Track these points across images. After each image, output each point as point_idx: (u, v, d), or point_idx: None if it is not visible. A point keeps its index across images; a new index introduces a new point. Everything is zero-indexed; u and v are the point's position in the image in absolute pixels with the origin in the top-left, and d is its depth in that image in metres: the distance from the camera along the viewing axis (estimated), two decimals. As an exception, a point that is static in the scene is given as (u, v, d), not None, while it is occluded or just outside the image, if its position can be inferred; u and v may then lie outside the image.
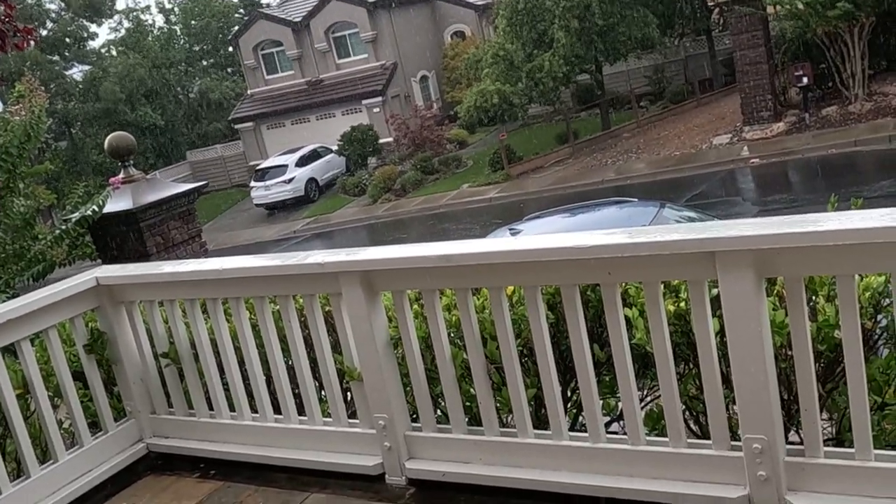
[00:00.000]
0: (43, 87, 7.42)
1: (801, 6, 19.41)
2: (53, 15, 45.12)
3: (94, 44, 48.00)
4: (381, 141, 33.87)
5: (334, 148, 34.24)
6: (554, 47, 25.56)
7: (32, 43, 8.41)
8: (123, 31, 49.10)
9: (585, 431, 3.01)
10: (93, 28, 47.13)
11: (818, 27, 19.90)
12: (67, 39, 44.47)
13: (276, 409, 3.77)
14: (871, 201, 3.21)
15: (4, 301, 4.98)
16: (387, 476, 3.40)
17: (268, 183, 32.33)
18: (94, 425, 4.07)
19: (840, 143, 19.38)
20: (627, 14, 25.63)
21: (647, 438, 2.92)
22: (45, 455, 3.89)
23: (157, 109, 43.86)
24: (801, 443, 2.63)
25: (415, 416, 3.40)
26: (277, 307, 3.60)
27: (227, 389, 3.88)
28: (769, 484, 2.57)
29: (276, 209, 32.43)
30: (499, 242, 3.15)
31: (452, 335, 3.35)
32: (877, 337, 3.06)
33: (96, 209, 6.78)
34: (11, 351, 3.79)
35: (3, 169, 6.94)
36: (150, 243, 6.97)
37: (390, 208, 27.49)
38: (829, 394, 2.98)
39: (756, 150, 20.90)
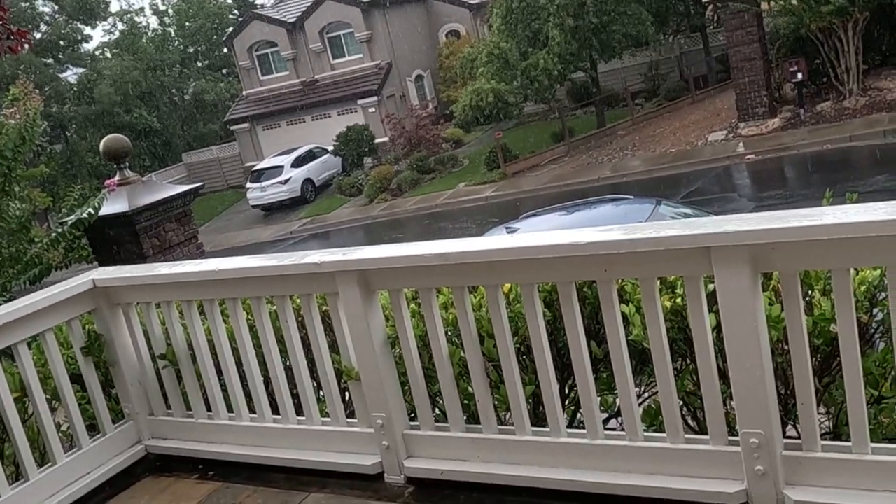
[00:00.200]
0: (37, 91, 7.39)
1: (794, 2, 19.44)
2: (47, 18, 45.04)
3: (88, 46, 47.95)
4: (376, 141, 33.86)
5: (330, 148, 34.22)
6: (549, 45, 25.56)
7: (26, 46, 8.39)
8: (118, 34, 49.05)
9: (583, 428, 3.01)
10: (87, 30, 47.12)
11: (812, 23, 19.92)
12: (61, 42, 44.40)
13: (275, 410, 3.77)
14: (866, 196, 3.21)
15: (1, 304, 4.97)
16: (386, 475, 3.40)
17: (264, 184, 32.31)
18: (93, 428, 4.07)
19: (835, 138, 19.41)
20: (622, 12, 25.64)
21: (645, 434, 2.93)
22: (43, 458, 3.88)
23: (153, 111, 43.80)
24: (799, 437, 2.64)
25: (413, 414, 3.41)
26: (274, 307, 3.60)
27: (224, 390, 3.89)
28: (767, 478, 2.58)
29: (273, 210, 32.41)
30: (495, 240, 3.15)
31: (450, 333, 3.36)
32: (873, 330, 3.07)
33: (92, 212, 6.77)
34: (9, 354, 3.78)
35: (-2, 172, 6.92)
36: (147, 245, 6.96)
37: (387, 208, 27.49)
38: (826, 388, 2.99)
39: (751, 145, 20.92)
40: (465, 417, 3.30)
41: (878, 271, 2.89)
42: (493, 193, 24.84)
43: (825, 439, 2.68)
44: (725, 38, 23.45)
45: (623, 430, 2.95)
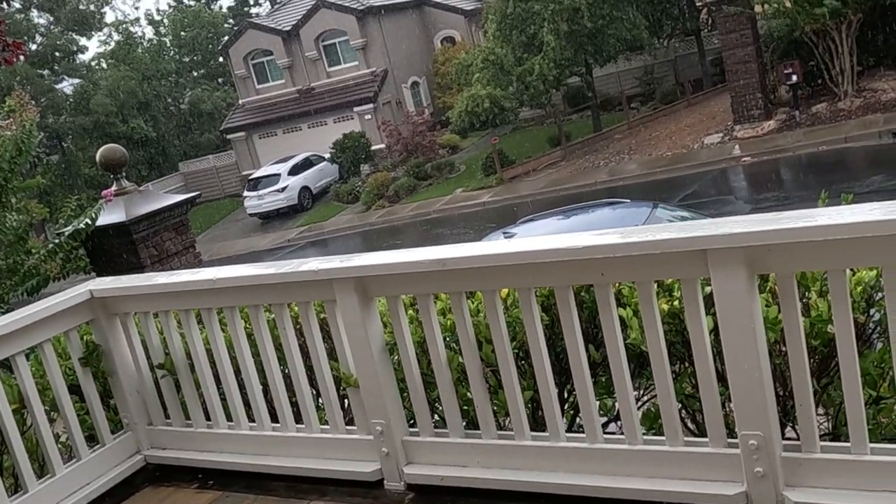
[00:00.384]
0: (33, 102, 7.40)
1: (788, 4, 19.51)
2: (42, 29, 45.03)
3: (83, 57, 47.97)
4: (373, 148, 33.89)
5: (327, 156, 34.24)
6: (544, 51, 25.61)
7: (22, 57, 8.40)
8: (113, 44, 49.04)
9: (583, 432, 3.01)
10: (82, 41, 47.16)
11: (806, 25, 19.99)
12: (57, 53, 44.38)
13: (274, 418, 3.77)
14: (862, 197, 3.21)
15: (-1, 316, 4.96)
16: (385, 482, 3.40)
17: (261, 192, 32.31)
18: (92, 438, 4.06)
19: (830, 139, 19.45)
20: (616, 16, 25.69)
21: (644, 438, 2.92)
22: (42, 470, 3.88)
23: (149, 121, 43.80)
24: (798, 438, 2.65)
25: (412, 421, 3.41)
26: (273, 316, 3.60)
27: (223, 399, 3.88)
28: (766, 480, 2.58)
29: (270, 218, 32.40)
30: (492, 245, 3.16)
31: (448, 339, 3.36)
32: (870, 331, 3.08)
33: (89, 222, 6.77)
34: (7, 366, 3.78)
35: (-6, 184, 6.92)
36: (144, 255, 6.96)
37: (384, 215, 27.50)
38: (824, 389, 2.99)
39: (747, 148, 20.97)
40: (464, 423, 3.30)
41: (875, 272, 2.90)
42: (491, 199, 24.86)
43: (824, 440, 2.68)
44: (720, 41, 23.53)
45: (622, 433, 2.95)
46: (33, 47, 41.98)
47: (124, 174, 7.23)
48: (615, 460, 2.91)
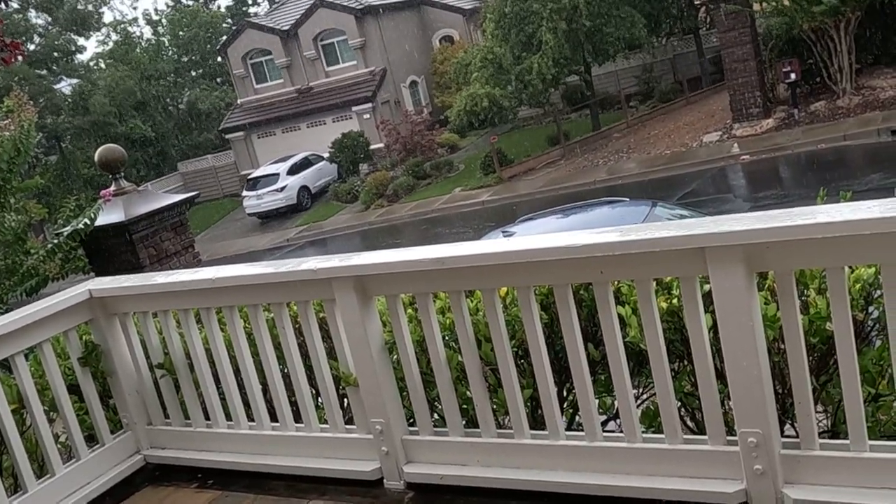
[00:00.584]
0: (31, 102, 7.39)
1: (786, 2, 19.51)
2: (40, 29, 44.99)
3: (82, 57, 47.91)
4: (372, 147, 33.88)
5: (325, 155, 34.24)
6: (542, 49, 25.61)
7: (20, 58, 8.39)
8: (111, 44, 49.03)
9: (582, 431, 3.01)
10: (80, 41, 47.25)
11: (804, 23, 19.99)
12: (55, 53, 44.34)
13: (273, 417, 3.77)
14: (861, 194, 3.21)
15: (-2, 316, 4.96)
16: (385, 481, 3.40)
17: (260, 192, 32.30)
18: (91, 438, 4.07)
19: (829, 137, 19.46)
20: (615, 15, 25.70)
21: (644, 436, 2.93)
22: (42, 469, 3.88)
23: (147, 121, 43.78)
24: (797, 436, 2.65)
25: (411, 419, 3.41)
26: (272, 315, 3.60)
27: (223, 398, 3.88)
28: (765, 477, 2.58)
29: (269, 218, 32.39)
30: (490, 244, 3.16)
31: (447, 338, 3.36)
32: (869, 328, 3.08)
33: (88, 222, 6.76)
34: (6, 366, 3.78)
35: (-7, 184, 6.92)
36: (143, 255, 6.96)
37: (383, 214, 27.50)
38: (823, 386, 3.00)
39: (746, 146, 20.97)
40: (463, 422, 3.31)
41: (873, 269, 2.90)
42: (490, 198, 24.86)
43: (823, 437, 2.69)
44: (718, 39, 23.53)
45: (622, 431, 2.95)
46: (31, 47, 41.94)
47: (123, 174, 7.23)
48: (615, 458, 2.92)
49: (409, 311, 3.43)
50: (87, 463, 3.93)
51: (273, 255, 25.90)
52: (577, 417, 3.45)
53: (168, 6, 54.43)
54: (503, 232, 11.46)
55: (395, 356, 3.35)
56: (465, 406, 3.36)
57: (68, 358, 4.04)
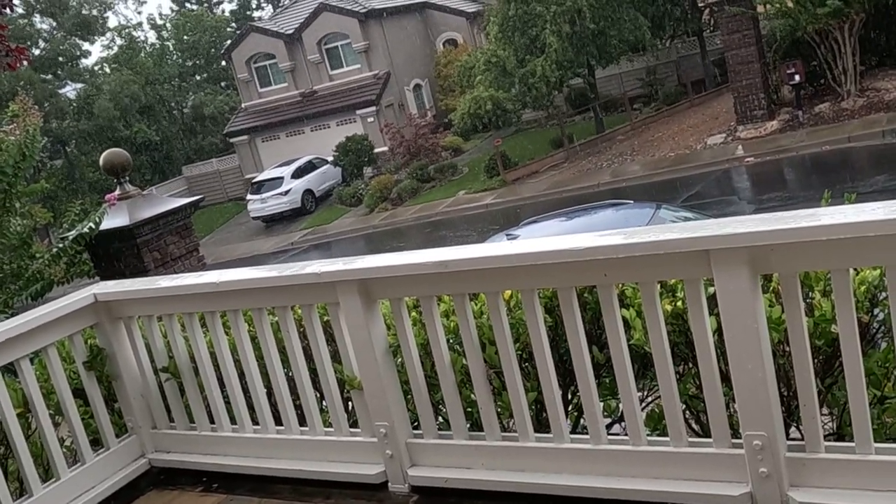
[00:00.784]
0: (37, 107, 7.43)
1: (790, 4, 19.50)
2: (45, 34, 45.21)
3: (86, 62, 48.15)
4: (376, 150, 33.91)
5: (330, 159, 34.28)
6: (546, 52, 25.62)
7: (25, 62, 8.43)
8: (116, 49, 49.22)
9: (587, 434, 3.01)
10: (85, 46, 47.26)
11: (808, 25, 19.98)
12: (60, 58, 44.54)
13: (278, 421, 3.77)
14: (865, 196, 3.22)
15: (3, 321, 4.98)
16: (390, 484, 3.39)
17: (264, 195, 32.36)
18: (96, 442, 4.07)
19: (834, 139, 19.43)
20: (618, 17, 25.71)
21: (649, 439, 2.92)
22: (47, 473, 3.88)
23: (152, 125, 43.91)
24: (802, 438, 2.64)
25: (416, 423, 3.41)
26: (276, 318, 3.60)
27: (227, 402, 3.88)
28: (771, 480, 2.57)
29: (273, 221, 32.45)
30: (494, 247, 3.16)
31: (451, 341, 3.36)
32: (874, 330, 3.07)
33: (93, 226, 6.79)
34: (11, 370, 3.78)
35: (-2, 189, 6.95)
36: (148, 259, 6.98)
37: (387, 217, 27.51)
38: (829, 389, 2.99)
39: (750, 148, 20.95)
40: (468, 425, 3.30)
41: (878, 271, 2.89)
42: (494, 201, 24.87)
43: (829, 440, 2.68)
44: (722, 41, 23.51)
45: (626, 434, 2.95)
46: (36, 52, 42.12)
47: (128, 178, 7.25)
48: (619, 461, 2.91)
49: (413, 314, 3.43)
50: (93, 467, 3.94)
51: (277, 259, 25.94)
52: (581, 420, 3.44)
53: (172, 10, 54.66)
54: (507, 235, 11.46)
55: (399, 359, 3.35)
56: (469, 409, 3.35)
57: (73, 362, 4.05)
